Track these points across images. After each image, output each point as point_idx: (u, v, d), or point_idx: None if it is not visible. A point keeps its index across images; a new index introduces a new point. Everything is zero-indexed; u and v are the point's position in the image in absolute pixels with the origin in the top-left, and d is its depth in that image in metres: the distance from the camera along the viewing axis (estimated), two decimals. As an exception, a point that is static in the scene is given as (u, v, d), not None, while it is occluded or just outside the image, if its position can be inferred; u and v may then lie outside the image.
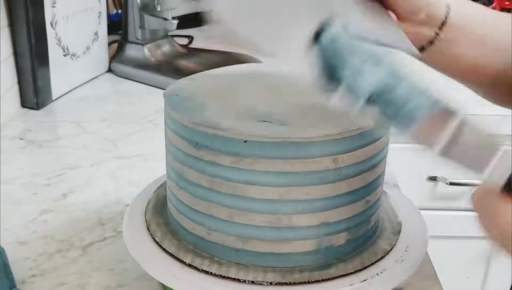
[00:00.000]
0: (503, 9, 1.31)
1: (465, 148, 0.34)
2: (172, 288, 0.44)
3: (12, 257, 0.50)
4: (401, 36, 0.45)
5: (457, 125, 0.34)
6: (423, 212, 0.53)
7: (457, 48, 0.51)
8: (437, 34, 0.50)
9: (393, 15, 0.48)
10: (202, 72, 0.54)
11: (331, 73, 0.34)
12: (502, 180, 0.33)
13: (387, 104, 0.34)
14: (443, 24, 0.49)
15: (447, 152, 0.34)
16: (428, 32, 0.50)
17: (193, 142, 0.43)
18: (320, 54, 0.33)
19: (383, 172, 0.47)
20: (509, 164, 0.33)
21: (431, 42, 0.50)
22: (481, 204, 0.34)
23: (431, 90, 0.35)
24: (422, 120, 0.34)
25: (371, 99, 0.34)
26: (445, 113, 0.34)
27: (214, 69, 0.55)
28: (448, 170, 0.97)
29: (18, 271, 0.51)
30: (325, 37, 0.33)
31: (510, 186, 0.33)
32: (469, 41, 0.51)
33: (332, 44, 0.33)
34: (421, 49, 0.51)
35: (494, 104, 0.57)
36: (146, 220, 0.50)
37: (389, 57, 0.35)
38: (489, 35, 0.51)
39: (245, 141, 0.40)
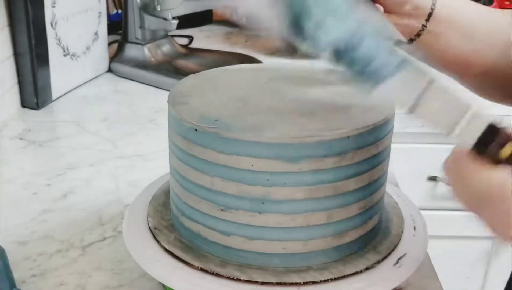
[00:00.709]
0: (503, 9, 1.31)
1: (433, 108, 0.34)
2: (172, 288, 0.44)
3: (12, 257, 0.50)
4: (391, 28, 0.45)
5: (425, 85, 0.34)
6: (423, 212, 0.53)
7: (444, 40, 0.51)
8: (424, 26, 0.51)
9: (380, 8, 0.48)
10: (206, 70, 0.54)
11: (296, 22, 0.34)
12: (471, 141, 0.32)
13: (352, 60, 0.34)
14: (429, 16, 0.50)
15: (414, 110, 0.34)
16: (415, 24, 0.50)
17: (195, 141, 0.43)
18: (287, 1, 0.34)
19: (386, 171, 0.47)
20: (479, 125, 0.33)
21: (418, 34, 0.51)
22: (452, 168, 0.34)
23: (399, 50, 0.34)
24: (389, 78, 0.34)
25: (337, 55, 0.34)
26: (413, 72, 0.34)
27: (217, 68, 0.55)
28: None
29: (18, 271, 0.51)
30: None
31: (479, 147, 0.32)
32: (456, 34, 0.51)
33: None
34: (409, 41, 0.52)
35: (482, 97, 0.58)
36: (147, 221, 0.50)
37: (355, 14, 0.35)
38: (477, 29, 0.52)
39: (248, 141, 0.40)
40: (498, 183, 0.31)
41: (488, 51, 0.52)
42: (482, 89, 0.56)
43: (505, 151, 0.31)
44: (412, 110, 0.34)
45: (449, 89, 0.35)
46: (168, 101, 0.47)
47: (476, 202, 0.32)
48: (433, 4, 0.50)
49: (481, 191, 0.31)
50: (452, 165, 0.34)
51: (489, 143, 0.32)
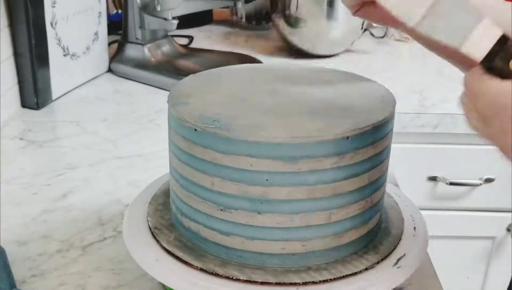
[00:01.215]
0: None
1: (443, 21, 0.33)
2: (172, 288, 0.44)
3: (12, 257, 0.50)
4: None
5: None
6: (423, 212, 0.53)
7: None
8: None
9: None
10: (206, 70, 0.54)
11: None
12: (482, 53, 0.33)
13: None
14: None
15: (422, 24, 0.33)
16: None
17: (195, 141, 0.43)
18: None
19: (386, 171, 0.47)
20: (490, 37, 0.33)
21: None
22: (467, 83, 0.34)
23: None
24: None
25: None
26: None
27: (217, 68, 0.55)
28: (448, 170, 0.97)
29: (18, 271, 0.51)
30: None
31: (490, 58, 0.33)
32: None
33: None
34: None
35: None
36: (147, 221, 0.50)
37: None
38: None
39: (247, 141, 0.40)
40: (507, 91, 0.31)
41: None
42: None
43: None
44: (420, 24, 0.34)
45: (459, 2, 0.34)
46: (168, 101, 0.47)
47: (483, 112, 0.33)
48: None
49: (490, 101, 0.32)
50: (467, 80, 0.34)
51: (500, 53, 0.32)
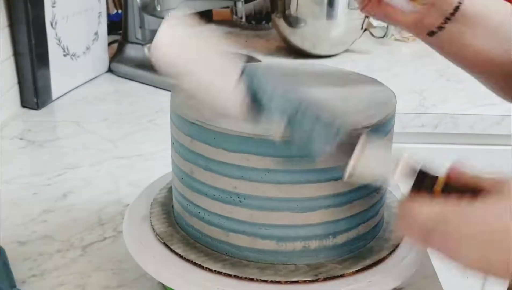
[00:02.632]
0: None
1: (371, 164, 0.38)
2: (172, 288, 0.44)
3: (12, 257, 0.50)
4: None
5: (360, 147, 0.38)
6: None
7: (468, 36, 0.50)
8: (447, 19, 0.50)
9: None
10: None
11: (253, 98, 0.39)
12: (410, 183, 0.37)
13: (296, 132, 0.38)
14: (456, 10, 0.49)
15: (354, 172, 0.38)
16: (439, 16, 0.50)
17: (196, 139, 0.43)
18: (245, 83, 0.39)
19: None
20: (413, 167, 0.38)
21: (440, 28, 0.50)
22: (400, 215, 0.37)
23: (335, 120, 0.39)
24: (327, 148, 0.38)
25: (288, 126, 0.38)
26: (348, 137, 0.38)
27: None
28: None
29: (18, 271, 0.51)
30: (247, 72, 0.40)
31: (417, 185, 0.37)
32: (481, 31, 0.50)
33: (252, 76, 0.40)
34: (430, 33, 0.51)
35: (504, 98, 0.57)
36: (148, 220, 0.50)
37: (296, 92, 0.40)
38: (503, 26, 0.51)
39: (246, 137, 0.41)
40: (438, 211, 0.35)
41: None
42: (506, 88, 0.55)
43: (437, 189, 0.36)
44: (352, 172, 0.38)
45: (381, 145, 0.40)
46: (170, 98, 0.47)
47: (423, 232, 0.35)
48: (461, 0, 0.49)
49: (426, 221, 0.35)
50: (400, 212, 0.37)
51: (422, 183, 0.37)
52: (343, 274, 0.43)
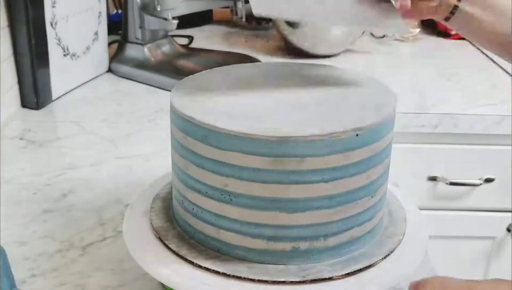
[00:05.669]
0: None
1: None
2: (172, 288, 0.44)
3: (12, 257, 0.50)
4: (398, 20, 0.54)
5: None
6: (423, 212, 0.53)
7: (478, 22, 0.58)
8: (456, 6, 0.58)
9: None
10: (209, 69, 0.54)
11: None
12: None
13: None
14: None
15: None
16: (449, 3, 0.58)
17: (189, 135, 0.43)
18: None
19: (386, 171, 0.47)
20: None
21: (452, 13, 0.58)
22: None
23: None
24: None
25: None
26: None
27: (220, 67, 0.55)
28: (448, 170, 0.97)
29: (18, 271, 0.51)
30: None
31: None
32: (491, 17, 0.57)
33: None
34: (446, 19, 0.59)
35: None
36: (148, 220, 0.50)
37: None
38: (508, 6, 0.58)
39: (245, 138, 0.41)
40: None
41: None
42: None
43: None
44: None
45: None
46: (170, 98, 0.47)
47: None
48: None
49: None
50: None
51: None
52: (332, 277, 0.43)
